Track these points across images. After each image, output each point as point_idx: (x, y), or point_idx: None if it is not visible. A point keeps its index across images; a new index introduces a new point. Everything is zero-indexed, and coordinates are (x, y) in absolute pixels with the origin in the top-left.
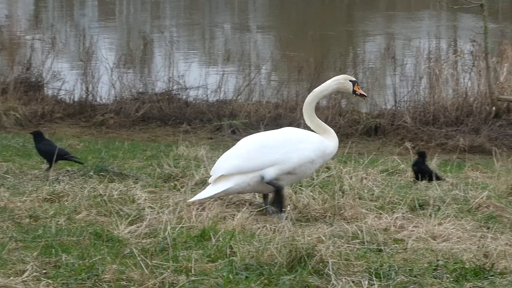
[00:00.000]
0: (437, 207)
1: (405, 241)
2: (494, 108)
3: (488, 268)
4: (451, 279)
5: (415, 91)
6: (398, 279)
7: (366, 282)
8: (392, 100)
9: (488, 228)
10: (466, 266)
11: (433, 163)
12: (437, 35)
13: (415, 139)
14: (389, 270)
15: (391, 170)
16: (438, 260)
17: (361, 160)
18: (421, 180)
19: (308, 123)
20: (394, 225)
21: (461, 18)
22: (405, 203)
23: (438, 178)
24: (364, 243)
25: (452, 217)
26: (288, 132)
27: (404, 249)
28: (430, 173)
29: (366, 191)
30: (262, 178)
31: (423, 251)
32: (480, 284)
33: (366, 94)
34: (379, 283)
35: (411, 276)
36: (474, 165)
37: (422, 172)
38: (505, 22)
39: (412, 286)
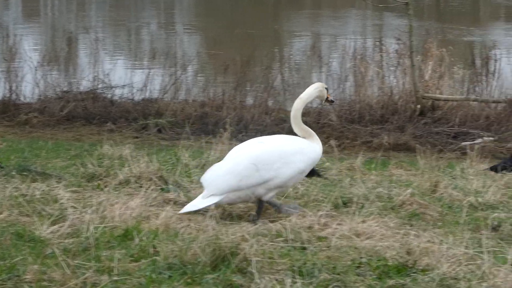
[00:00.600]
0: (361, 204)
1: (329, 239)
2: (419, 106)
3: (410, 265)
4: (374, 277)
5: (341, 89)
6: (321, 277)
7: (289, 280)
8: None
9: (411, 225)
10: (389, 264)
11: (358, 161)
12: (362, 34)
13: (341, 137)
14: (312, 268)
15: (316, 168)
16: (361, 258)
17: None
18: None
19: (296, 130)
20: (318, 223)
21: (386, 17)
22: (329, 201)
23: (319, 175)
24: (288, 241)
25: (375, 215)
26: (280, 144)
27: (327, 247)
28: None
29: (291, 189)
30: (253, 192)
31: (347, 248)
32: (402, 281)
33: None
34: (302, 281)
35: (334, 273)
36: (398, 163)
37: None
38: (430, 21)
39: (335, 284)
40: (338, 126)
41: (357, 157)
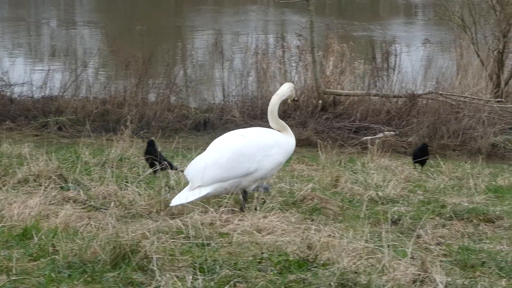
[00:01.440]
0: (263, 200)
1: (231, 234)
2: (320, 101)
3: (311, 260)
4: (275, 272)
5: (243, 85)
6: (222, 273)
7: (191, 277)
8: (221, 94)
9: (313, 220)
10: (290, 258)
11: None
12: (264, 30)
13: None
14: (213, 264)
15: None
16: (262, 253)
17: (189, 155)
18: (152, 168)
19: (272, 124)
20: (219, 219)
21: (288, 13)
22: (230, 197)
23: (171, 167)
24: (189, 238)
25: (277, 210)
26: (260, 137)
27: (229, 243)
28: (161, 161)
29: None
30: (238, 184)
31: (248, 244)
32: (303, 275)
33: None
34: (203, 277)
35: (235, 269)
36: (300, 158)
37: (153, 160)
38: (331, 17)
39: (236, 280)
40: (240, 122)
41: None
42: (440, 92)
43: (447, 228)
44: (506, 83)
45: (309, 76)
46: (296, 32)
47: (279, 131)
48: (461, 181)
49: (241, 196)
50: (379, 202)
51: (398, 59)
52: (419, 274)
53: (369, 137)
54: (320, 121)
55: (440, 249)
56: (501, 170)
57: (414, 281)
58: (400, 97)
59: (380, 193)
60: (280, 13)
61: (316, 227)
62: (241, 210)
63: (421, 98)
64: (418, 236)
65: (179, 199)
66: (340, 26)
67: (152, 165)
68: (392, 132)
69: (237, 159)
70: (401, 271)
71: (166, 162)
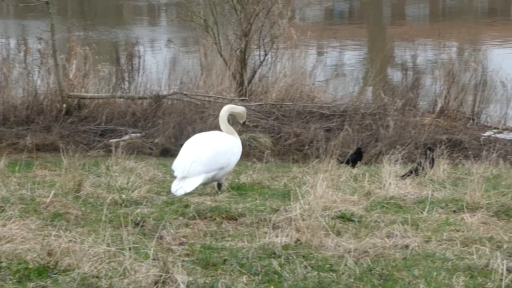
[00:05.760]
0: (2, 208)
1: None
2: (64, 105)
3: (52, 267)
4: (15, 281)
5: None
6: None
7: None
8: None
9: (55, 226)
10: (30, 266)
11: (1, 164)
12: (4, 34)
13: None
14: None
15: None
16: (1, 262)
17: None
18: None
19: (223, 128)
20: None
21: (29, 16)
22: None
23: None
24: None
25: (17, 217)
26: (228, 139)
27: None
28: None
29: None
30: (214, 177)
31: None
32: (43, 283)
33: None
34: None
35: None
36: (43, 164)
37: None
38: (73, 19)
39: None
40: None
41: (0, 160)
42: (185, 92)
43: (190, 228)
44: (250, 82)
45: (52, 79)
46: (37, 35)
47: (229, 134)
48: None
49: (217, 186)
50: (123, 205)
51: (142, 61)
52: (161, 275)
53: (115, 140)
54: (65, 125)
55: (182, 249)
56: (245, 168)
57: (156, 283)
58: (145, 98)
59: (124, 196)
60: (21, 16)
61: (57, 233)
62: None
63: (166, 99)
64: (161, 237)
65: (181, 190)
66: (83, 29)
67: None
68: (138, 134)
69: (214, 157)
70: (143, 273)
71: None
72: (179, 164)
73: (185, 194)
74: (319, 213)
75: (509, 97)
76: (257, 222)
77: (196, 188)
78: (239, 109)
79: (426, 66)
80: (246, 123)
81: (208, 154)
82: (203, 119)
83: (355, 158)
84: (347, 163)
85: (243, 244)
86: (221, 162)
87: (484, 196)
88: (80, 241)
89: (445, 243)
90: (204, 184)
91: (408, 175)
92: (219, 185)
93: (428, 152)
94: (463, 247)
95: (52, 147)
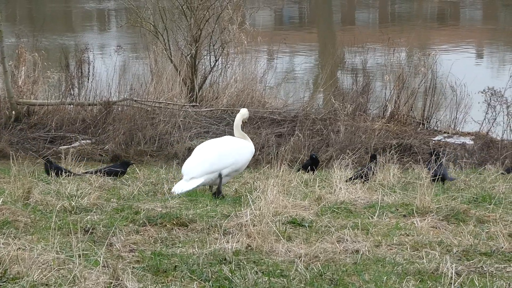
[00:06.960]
0: None
1: None
2: (14, 112)
3: (1, 275)
4: None
5: None
6: None
7: None
8: None
9: (3, 234)
10: None
11: None
12: None
13: None
14: None
15: None
16: None
17: None
18: None
19: (236, 134)
20: None
21: None
22: None
23: None
24: None
25: None
26: (232, 142)
27: None
28: None
29: None
30: (220, 175)
31: None
32: None
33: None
34: None
35: None
36: None
37: None
38: (21, 25)
39: None
40: None
41: None
42: (135, 98)
43: (140, 234)
44: (200, 88)
45: (1, 86)
46: None
47: (241, 138)
48: (155, 186)
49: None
50: (72, 212)
51: (92, 67)
52: (111, 282)
53: (65, 147)
54: (15, 132)
55: (133, 255)
56: None
57: None
58: (95, 105)
59: (73, 203)
60: None
61: (5, 241)
62: (217, 194)
63: (116, 105)
64: (111, 244)
65: (181, 188)
66: (32, 35)
67: None
68: (88, 141)
69: (218, 157)
70: (92, 280)
71: None
72: (184, 166)
73: (183, 193)
74: (270, 218)
75: (458, 102)
76: (208, 228)
77: (196, 188)
78: (245, 113)
79: (376, 71)
80: (245, 121)
81: (209, 155)
82: (153, 125)
83: (312, 164)
84: (305, 168)
85: (194, 250)
86: (224, 162)
87: (433, 201)
88: (29, 248)
89: (395, 248)
90: (209, 186)
91: (354, 179)
92: (219, 190)
93: (373, 160)
94: (413, 251)
95: (1, 154)
